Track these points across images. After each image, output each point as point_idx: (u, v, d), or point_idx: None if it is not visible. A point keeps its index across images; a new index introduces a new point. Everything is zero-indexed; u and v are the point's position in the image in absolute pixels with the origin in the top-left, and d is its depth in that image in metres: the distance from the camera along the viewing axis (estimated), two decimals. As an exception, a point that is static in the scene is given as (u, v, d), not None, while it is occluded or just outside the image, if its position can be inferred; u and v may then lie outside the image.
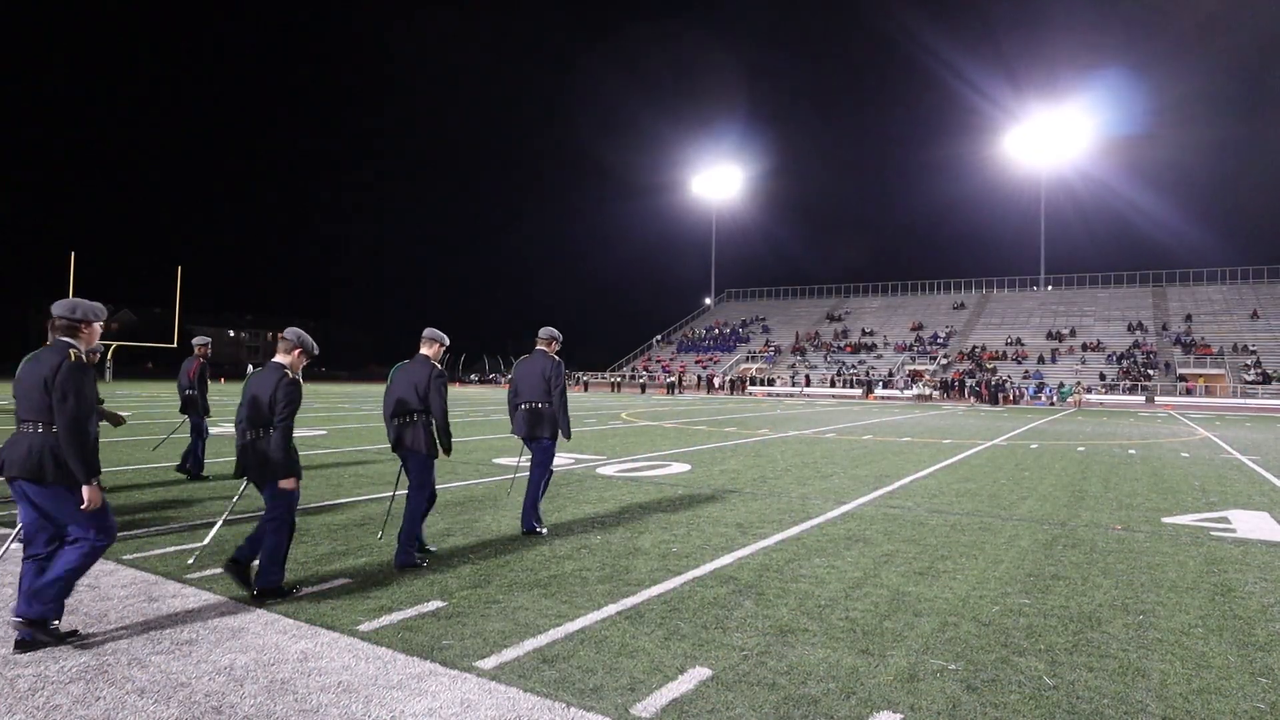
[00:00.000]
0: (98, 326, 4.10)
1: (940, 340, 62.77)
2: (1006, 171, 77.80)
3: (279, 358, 4.81)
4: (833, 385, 56.13)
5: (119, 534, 6.08)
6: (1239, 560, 5.98)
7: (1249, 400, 44.63)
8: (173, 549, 5.70)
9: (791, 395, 51.70)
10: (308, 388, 50.94)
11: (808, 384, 56.80)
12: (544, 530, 6.52)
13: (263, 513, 4.71)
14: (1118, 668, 3.74)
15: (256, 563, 4.68)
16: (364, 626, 4.11)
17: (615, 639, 4.00)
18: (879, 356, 62.32)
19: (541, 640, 3.95)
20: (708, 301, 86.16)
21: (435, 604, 4.51)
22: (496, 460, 11.55)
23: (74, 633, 3.92)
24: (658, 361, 72.15)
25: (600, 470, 10.66)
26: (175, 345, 34.86)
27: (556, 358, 6.68)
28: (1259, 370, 48.07)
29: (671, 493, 8.78)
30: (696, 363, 69.42)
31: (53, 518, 3.85)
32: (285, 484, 4.63)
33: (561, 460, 11.67)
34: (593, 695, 3.32)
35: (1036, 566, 5.65)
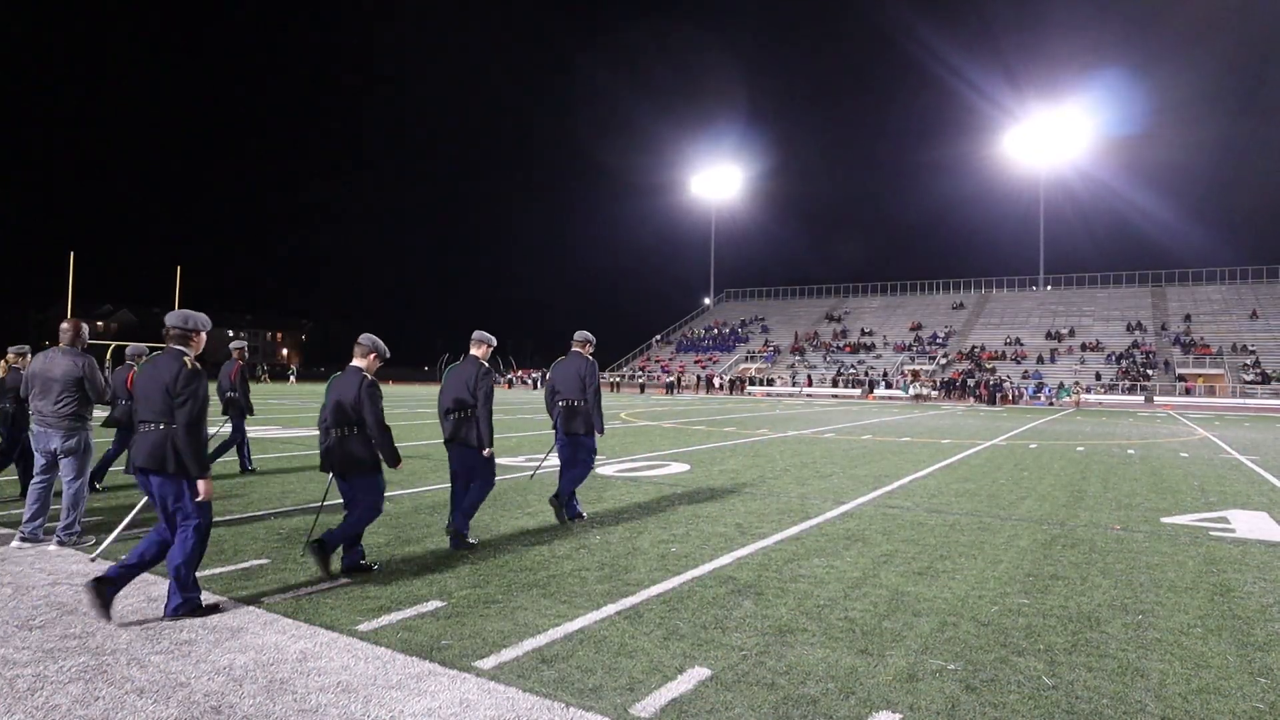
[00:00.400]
0: (204, 336, 4.51)
1: (939, 340, 62.78)
2: (1006, 171, 77.85)
3: (357, 362, 5.28)
4: (834, 385, 56.13)
5: (118, 533, 6.11)
6: (1238, 560, 5.98)
7: (1248, 400, 44.66)
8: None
9: (791, 395, 51.71)
10: (307, 388, 50.93)
11: (808, 384, 56.79)
12: (584, 516, 7.05)
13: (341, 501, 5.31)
14: (1117, 668, 3.74)
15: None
16: (363, 626, 4.11)
17: (614, 639, 4.00)
18: (878, 356, 62.32)
19: (541, 640, 3.95)
20: (707, 301, 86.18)
21: (434, 604, 4.51)
22: (495, 460, 11.55)
23: (215, 607, 4.36)
24: (657, 361, 72.15)
25: (599, 470, 10.66)
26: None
27: (591, 358, 7.07)
28: (1258, 370, 48.11)
29: (670, 493, 8.78)
30: (695, 363, 69.41)
31: (166, 503, 4.29)
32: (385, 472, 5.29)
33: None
34: (592, 695, 3.32)
35: (1035, 566, 5.66)
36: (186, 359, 4.29)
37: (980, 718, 3.18)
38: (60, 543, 5.73)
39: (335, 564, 5.16)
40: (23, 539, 5.77)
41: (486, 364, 6.18)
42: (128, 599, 4.51)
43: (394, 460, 5.19)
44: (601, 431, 7.01)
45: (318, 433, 5.31)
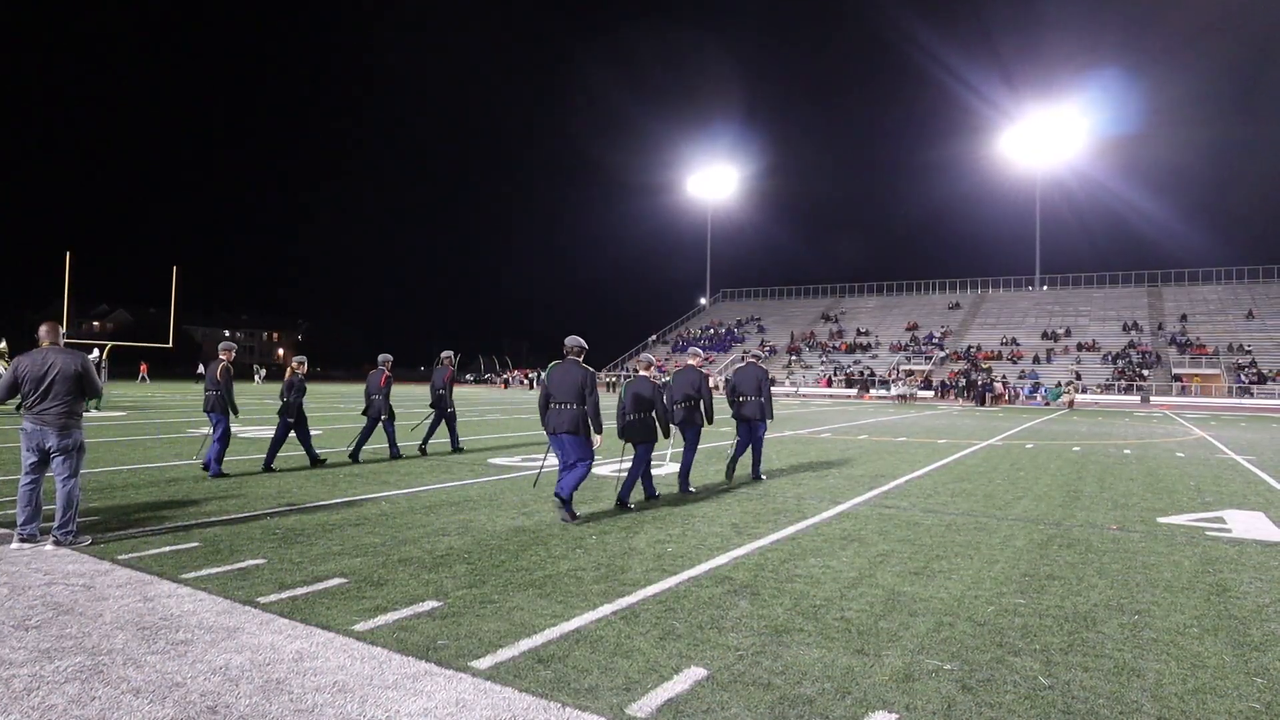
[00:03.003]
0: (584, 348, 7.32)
1: (936, 340, 62.85)
2: (1002, 171, 78.04)
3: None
4: (829, 385, 56.14)
5: (116, 533, 6.11)
6: (1234, 560, 5.99)
7: (1244, 400, 44.79)
8: (168, 549, 5.68)
9: (787, 395, 51.71)
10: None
11: (827, 384, 56.57)
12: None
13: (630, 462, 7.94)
14: (1113, 667, 3.75)
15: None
16: (359, 626, 4.10)
17: (611, 639, 4.00)
18: (874, 356, 62.39)
19: (537, 640, 3.95)
20: (703, 301, 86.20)
21: (431, 604, 4.51)
22: (492, 460, 11.55)
23: (576, 516, 7.04)
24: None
25: (596, 470, 10.66)
26: (171, 345, 34.76)
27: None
28: (1254, 370, 48.22)
29: (667, 493, 8.78)
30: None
31: (571, 453, 7.07)
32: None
33: (557, 460, 11.65)
34: (588, 695, 3.31)
35: (1032, 566, 5.67)
36: (587, 366, 7.17)
37: (977, 718, 3.18)
38: (57, 542, 5.72)
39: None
40: (21, 539, 5.76)
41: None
42: (124, 599, 4.50)
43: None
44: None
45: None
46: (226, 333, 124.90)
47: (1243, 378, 47.59)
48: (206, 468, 9.60)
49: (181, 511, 7.13)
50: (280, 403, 10.59)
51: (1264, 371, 47.89)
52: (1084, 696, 3.41)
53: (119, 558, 5.42)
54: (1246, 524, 7.50)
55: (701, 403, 8.80)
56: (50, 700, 3.19)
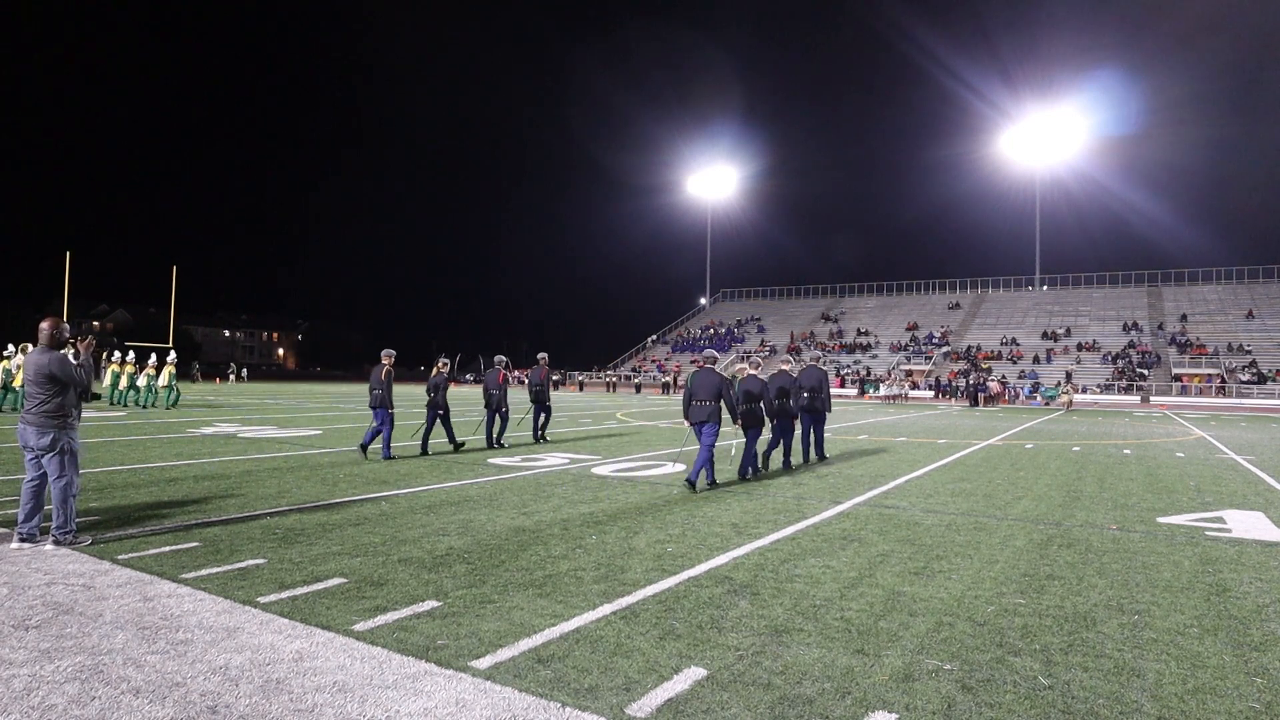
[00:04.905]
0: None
1: (935, 340, 62.87)
2: (1001, 171, 78.05)
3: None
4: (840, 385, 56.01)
5: (116, 533, 6.11)
6: (1234, 560, 6.00)
7: (1244, 400, 44.79)
8: (168, 549, 5.68)
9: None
10: (304, 387, 50.87)
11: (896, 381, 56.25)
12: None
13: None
14: (1113, 667, 3.75)
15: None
16: (359, 626, 4.10)
17: (610, 639, 4.00)
18: (874, 356, 62.42)
19: (537, 640, 3.95)
20: (703, 301, 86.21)
21: (430, 604, 4.51)
22: (492, 460, 11.55)
23: (715, 484, 9.31)
24: (653, 361, 72.15)
25: (595, 470, 10.66)
26: (170, 345, 34.94)
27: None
28: (1254, 370, 48.23)
29: (667, 493, 8.78)
30: (692, 362, 69.26)
31: (703, 436, 8.96)
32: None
33: (557, 460, 11.68)
34: (588, 695, 3.31)
35: (1032, 566, 5.67)
36: (722, 373, 9.05)
37: (976, 718, 3.18)
38: (56, 542, 5.72)
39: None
40: (21, 539, 5.76)
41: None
42: (124, 599, 4.50)
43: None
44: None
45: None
46: (226, 333, 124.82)
47: (1242, 377, 47.60)
48: (364, 449, 11.54)
49: (181, 511, 7.13)
50: (428, 397, 12.45)
51: (1264, 371, 47.90)
52: (1084, 696, 3.41)
53: (119, 558, 5.42)
54: (1246, 524, 7.50)
55: (763, 403, 10.50)
56: (50, 700, 3.19)
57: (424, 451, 12.24)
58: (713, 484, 9.21)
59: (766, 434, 10.96)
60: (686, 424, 9.22)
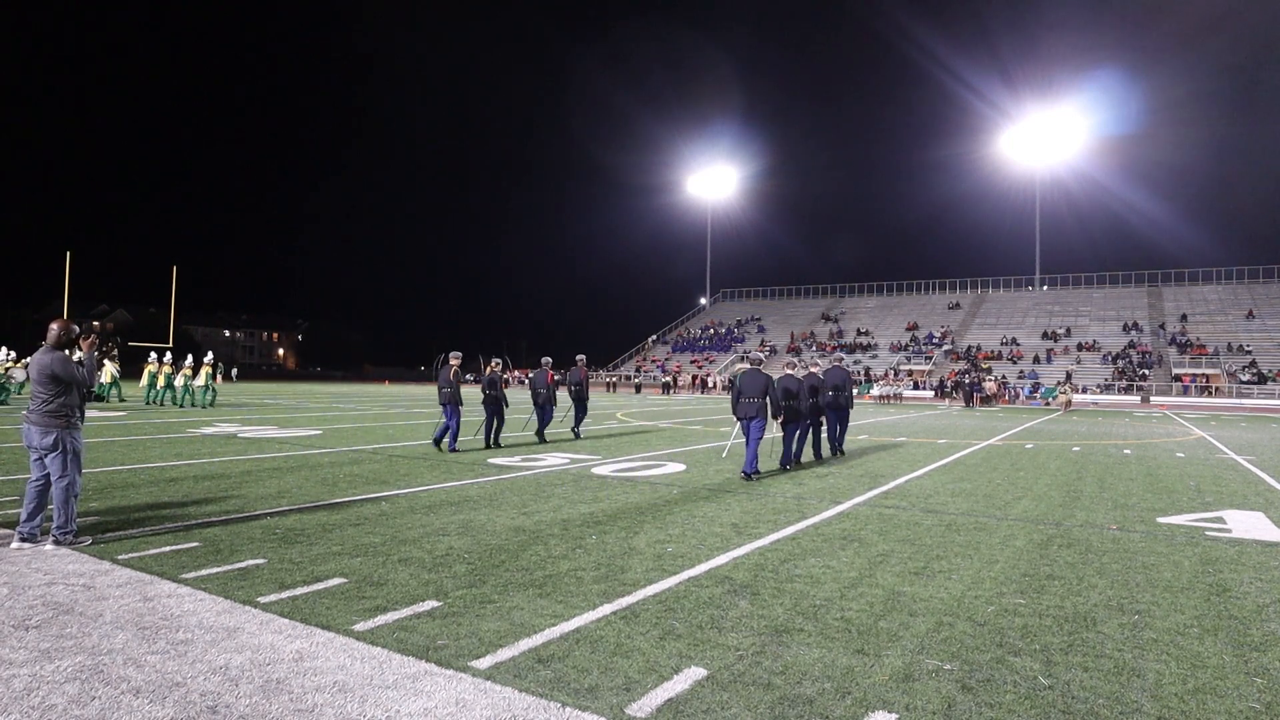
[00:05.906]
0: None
1: (935, 340, 62.87)
2: (1002, 171, 78.03)
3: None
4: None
5: (116, 533, 6.10)
6: (1234, 560, 6.00)
7: (1244, 400, 44.80)
8: (168, 549, 5.68)
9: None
10: (303, 387, 50.86)
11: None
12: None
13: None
14: (1113, 668, 3.75)
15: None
16: (359, 626, 4.10)
17: (610, 639, 4.00)
18: (874, 356, 62.41)
19: (537, 640, 3.95)
20: (703, 301, 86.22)
21: (430, 604, 4.51)
22: (492, 460, 11.55)
23: (759, 473, 10.05)
24: (653, 361, 72.17)
25: (595, 470, 10.66)
26: (170, 345, 34.94)
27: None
28: (1254, 370, 48.23)
29: (667, 493, 8.78)
30: (692, 362, 69.45)
31: (752, 429, 9.91)
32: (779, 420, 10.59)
33: (557, 460, 11.69)
34: (588, 695, 3.31)
35: (1032, 566, 5.67)
36: (768, 373, 10.12)
37: (976, 718, 3.18)
38: (56, 542, 5.72)
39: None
40: (21, 539, 5.76)
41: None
42: (124, 599, 4.50)
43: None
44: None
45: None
46: (226, 332, 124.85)
47: (1242, 377, 47.60)
48: (437, 444, 12.51)
49: (181, 511, 7.13)
50: (484, 395, 13.34)
51: (1264, 371, 47.90)
52: (1084, 697, 3.41)
53: (119, 558, 5.42)
54: (1246, 524, 7.50)
55: (800, 401, 11.41)
56: (50, 700, 3.19)
57: (487, 445, 13.37)
58: (754, 474, 9.90)
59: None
60: (735, 419, 10.27)
